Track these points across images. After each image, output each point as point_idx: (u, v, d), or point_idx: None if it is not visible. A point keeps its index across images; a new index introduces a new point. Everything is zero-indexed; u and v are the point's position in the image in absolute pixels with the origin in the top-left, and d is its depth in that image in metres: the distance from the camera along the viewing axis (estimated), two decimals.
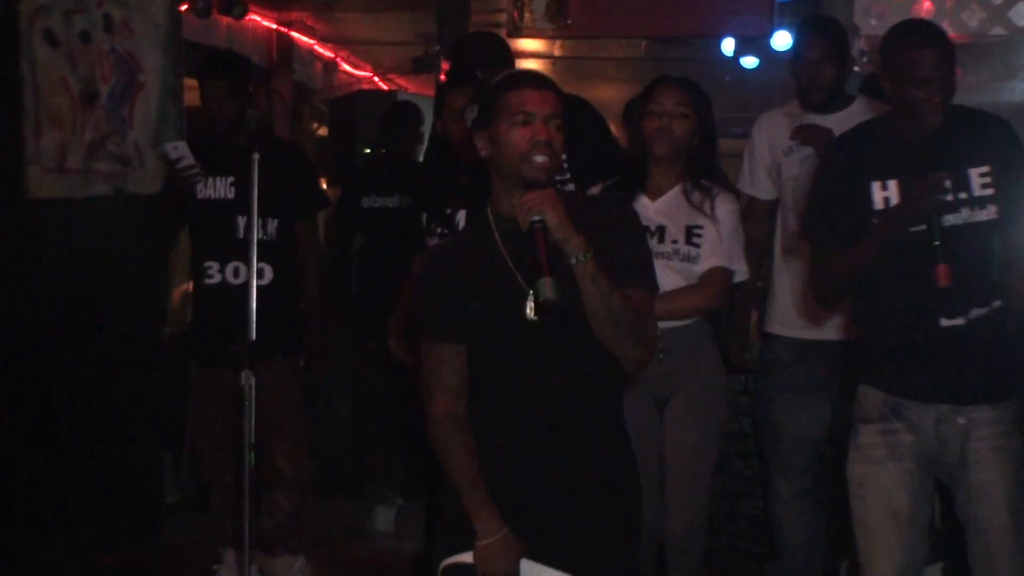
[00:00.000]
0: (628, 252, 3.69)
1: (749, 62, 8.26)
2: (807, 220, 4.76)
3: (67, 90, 7.63)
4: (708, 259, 5.22)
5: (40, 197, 7.40)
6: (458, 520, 3.69)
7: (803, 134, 5.67)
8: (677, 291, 5.14)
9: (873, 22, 7.00)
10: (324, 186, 9.63)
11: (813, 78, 5.70)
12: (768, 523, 5.97)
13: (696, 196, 5.25)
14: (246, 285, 5.75)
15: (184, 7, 7.90)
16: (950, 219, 4.36)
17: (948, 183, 4.27)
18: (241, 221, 5.98)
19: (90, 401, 7.40)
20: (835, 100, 5.69)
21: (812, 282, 4.79)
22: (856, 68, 6.82)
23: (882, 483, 4.53)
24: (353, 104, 9.60)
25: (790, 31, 7.03)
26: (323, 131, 10.99)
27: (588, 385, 3.64)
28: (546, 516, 3.63)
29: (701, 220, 5.23)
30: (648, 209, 5.22)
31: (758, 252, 5.92)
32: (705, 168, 5.34)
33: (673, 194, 5.27)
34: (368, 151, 8.96)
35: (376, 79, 11.82)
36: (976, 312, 4.42)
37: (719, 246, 5.23)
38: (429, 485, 5.51)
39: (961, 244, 4.36)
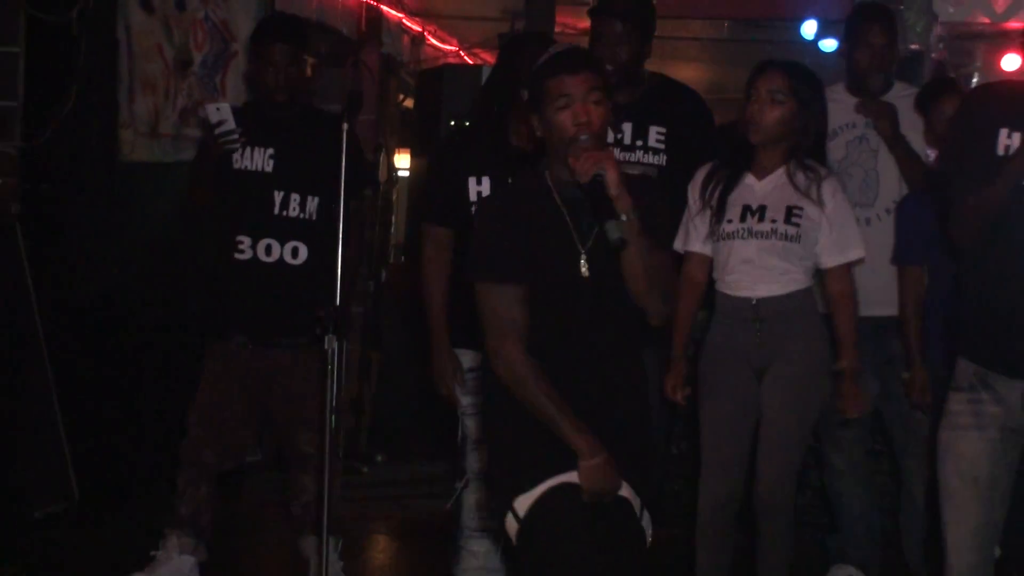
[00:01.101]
0: (655, 221, 3.93)
1: (828, 44, 8.24)
2: (944, 163, 4.95)
3: (161, 56, 7.76)
4: (828, 256, 5.36)
5: (132, 160, 7.57)
6: (537, 451, 3.87)
7: (870, 108, 5.89)
8: (842, 316, 5.33)
9: (951, 9, 7.17)
10: (409, 158, 10.07)
11: (878, 64, 5.91)
12: (827, 496, 6.10)
13: (801, 179, 5.35)
14: (279, 263, 5.76)
15: None
16: None
17: None
18: (278, 196, 5.81)
19: (177, 364, 7.42)
20: (884, 85, 5.98)
21: (949, 222, 4.81)
22: (933, 55, 7.14)
23: (965, 450, 4.62)
24: (439, 78, 9.41)
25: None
26: (409, 103, 11.09)
27: (630, 337, 3.96)
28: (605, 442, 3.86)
29: (803, 202, 5.31)
30: (752, 188, 5.37)
31: None
32: (811, 151, 5.41)
33: (777, 175, 5.37)
34: (453, 124, 8.80)
35: (462, 53, 11.87)
36: None
37: (831, 237, 5.34)
38: None
39: None
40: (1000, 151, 4.50)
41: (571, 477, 3.84)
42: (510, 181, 4.94)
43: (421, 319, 5.70)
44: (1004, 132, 4.53)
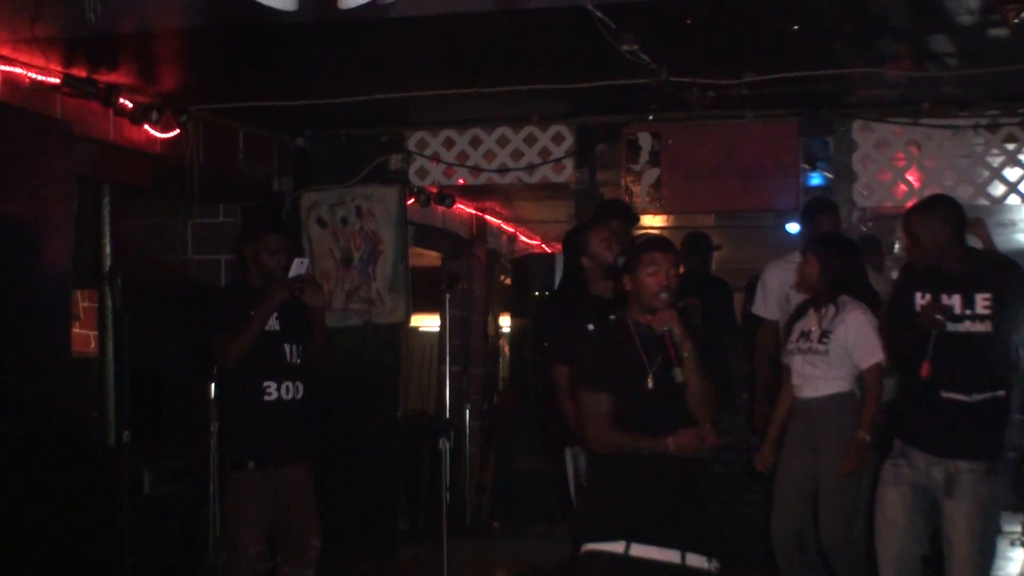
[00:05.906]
0: (698, 339, 4.44)
1: (792, 228, 8.81)
2: (884, 319, 5.57)
3: (332, 256, 8.54)
4: (863, 361, 5.88)
5: None
6: (603, 515, 4.33)
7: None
8: (866, 406, 5.81)
9: (864, 195, 7.90)
10: (510, 318, 10.76)
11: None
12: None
13: (828, 312, 5.96)
14: (298, 401, 5.97)
15: (411, 200, 8.73)
16: (954, 327, 5.05)
17: (943, 314, 4.96)
18: (287, 348, 5.99)
19: (353, 457, 8.25)
20: None
21: (888, 352, 5.56)
22: (856, 232, 8.00)
23: (887, 499, 5.25)
24: (527, 263, 10.38)
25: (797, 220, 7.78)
26: (507, 281, 11.64)
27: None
28: (670, 515, 4.29)
29: (835, 329, 5.91)
30: (810, 318, 6.07)
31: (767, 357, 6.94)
32: (847, 288, 5.95)
33: (823, 310, 6.00)
34: (537, 294, 9.71)
35: (542, 246, 12.43)
36: (977, 395, 5.09)
37: (857, 348, 5.86)
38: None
39: (962, 345, 5.07)
40: (917, 308, 5.18)
41: (616, 547, 4.24)
42: (602, 324, 4.95)
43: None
44: (918, 295, 5.19)
